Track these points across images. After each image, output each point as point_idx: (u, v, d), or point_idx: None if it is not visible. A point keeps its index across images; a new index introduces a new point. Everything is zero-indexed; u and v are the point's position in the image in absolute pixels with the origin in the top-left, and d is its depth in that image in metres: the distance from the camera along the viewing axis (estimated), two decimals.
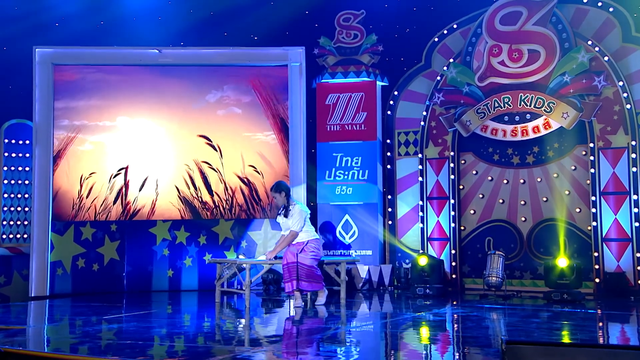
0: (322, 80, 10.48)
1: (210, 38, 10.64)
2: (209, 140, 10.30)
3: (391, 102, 10.64)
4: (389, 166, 10.56)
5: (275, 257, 7.98)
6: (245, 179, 10.31)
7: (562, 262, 8.38)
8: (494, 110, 9.81)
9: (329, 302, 8.11)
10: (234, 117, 10.38)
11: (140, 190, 10.21)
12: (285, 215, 7.90)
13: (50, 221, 9.90)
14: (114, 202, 10.10)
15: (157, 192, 10.22)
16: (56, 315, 8.31)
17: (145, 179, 10.21)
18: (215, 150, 10.29)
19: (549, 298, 8.33)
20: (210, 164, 10.30)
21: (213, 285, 9.98)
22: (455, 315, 7.74)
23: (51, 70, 10.12)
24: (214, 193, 10.26)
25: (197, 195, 10.26)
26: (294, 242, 7.81)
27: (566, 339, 5.82)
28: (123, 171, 10.15)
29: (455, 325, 7.07)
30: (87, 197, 10.07)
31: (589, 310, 7.88)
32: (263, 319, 7.69)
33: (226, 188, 10.26)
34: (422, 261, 9.17)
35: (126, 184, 10.13)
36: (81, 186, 10.08)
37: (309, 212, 8.10)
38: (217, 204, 10.26)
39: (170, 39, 10.68)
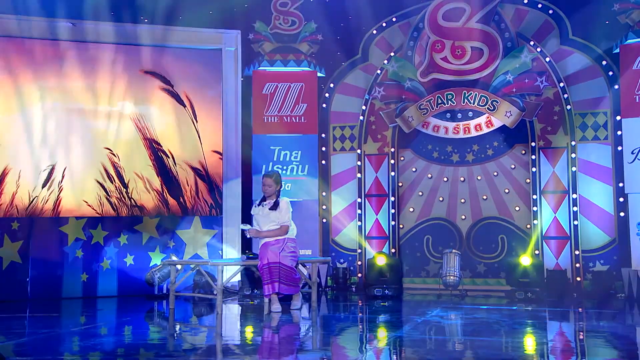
0: (260, 68, 9.73)
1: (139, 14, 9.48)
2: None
3: (327, 95, 10.14)
4: (323, 162, 10.04)
5: (249, 257, 7.18)
6: (199, 169, 9.36)
7: (525, 260, 8.33)
8: (437, 107, 9.64)
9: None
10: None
11: (45, 182, 8.89)
12: (274, 208, 7.14)
13: None
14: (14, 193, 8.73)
15: (62, 187, 8.95)
16: None
17: (52, 168, 8.92)
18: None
19: (512, 297, 8.24)
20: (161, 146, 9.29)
21: (135, 291, 9.03)
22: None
23: None
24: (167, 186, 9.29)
25: (121, 188, 9.13)
26: (272, 241, 7.06)
27: None
28: None
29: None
30: None
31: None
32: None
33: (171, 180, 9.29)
34: (381, 261, 8.75)
35: (4, 172, 8.75)
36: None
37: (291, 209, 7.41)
38: (145, 198, 9.20)
39: (89, 12, 9.35)
